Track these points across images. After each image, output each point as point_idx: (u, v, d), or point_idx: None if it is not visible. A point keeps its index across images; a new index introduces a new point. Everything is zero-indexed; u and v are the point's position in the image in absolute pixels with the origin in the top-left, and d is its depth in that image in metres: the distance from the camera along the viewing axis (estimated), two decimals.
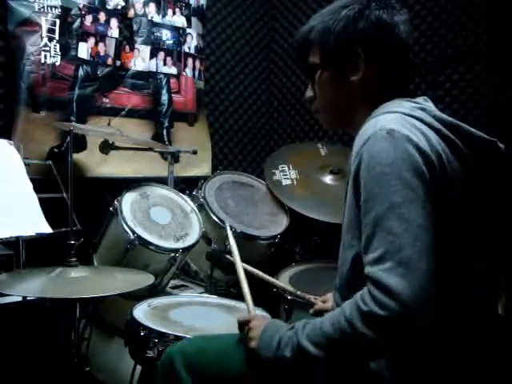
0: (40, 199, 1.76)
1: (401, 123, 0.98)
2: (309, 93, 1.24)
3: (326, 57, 1.16)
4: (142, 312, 1.59)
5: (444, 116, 1.05)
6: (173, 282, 2.21)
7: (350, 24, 1.11)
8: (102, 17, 2.48)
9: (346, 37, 1.12)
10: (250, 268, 1.84)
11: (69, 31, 2.36)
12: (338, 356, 0.96)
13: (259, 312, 1.67)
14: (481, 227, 1.07)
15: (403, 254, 0.87)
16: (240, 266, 1.44)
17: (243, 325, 1.18)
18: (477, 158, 1.04)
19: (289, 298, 1.88)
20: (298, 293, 1.78)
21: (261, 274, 1.79)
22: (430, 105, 1.11)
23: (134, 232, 1.90)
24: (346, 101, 1.17)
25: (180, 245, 2.00)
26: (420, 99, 1.11)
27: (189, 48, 2.83)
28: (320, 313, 1.50)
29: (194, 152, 2.57)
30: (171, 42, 2.75)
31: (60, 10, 2.32)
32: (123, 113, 2.59)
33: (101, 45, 2.48)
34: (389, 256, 0.88)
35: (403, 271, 0.86)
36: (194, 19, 2.85)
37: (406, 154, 0.93)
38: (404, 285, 0.86)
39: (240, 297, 1.80)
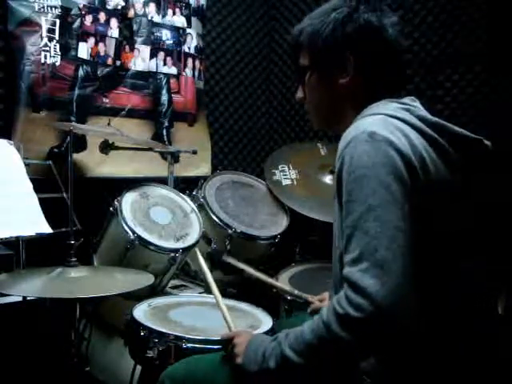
0: (40, 199, 1.76)
1: (383, 126, 0.99)
2: (299, 94, 1.25)
3: (314, 59, 1.17)
4: (142, 312, 1.59)
5: (428, 116, 1.06)
6: (173, 282, 2.21)
7: (338, 27, 1.12)
8: (102, 17, 2.48)
9: (334, 40, 1.12)
10: (248, 269, 1.85)
11: (69, 31, 2.36)
12: (320, 362, 0.97)
13: (260, 312, 1.67)
14: (467, 225, 1.08)
15: (378, 255, 0.89)
16: (215, 288, 1.44)
17: (227, 342, 1.18)
18: (462, 156, 1.05)
19: (289, 298, 1.88)
20: (296, 292, 1.78)
21: (258, 274, 1.80)
22: (416, 104, 1.11)
23: (134, 232, 1.90)
24: (334, 103, 1.18)
25: (180, 245, 2.00)
26: (406, 99, 1.12)
27: (189, 48, 2.83)
28: (317, 312, 1.51)
29: (194, 152, 2.57)
30: (171, 41, 2.75)
31: (60, 10, 2.32)
32: (123, 113, 2.59)
33: (101, 45, 2.48)
34: (365, 257, 0.90)
35: (378, 272, 0.88)
36: (194, 19, 2.85)
37: (386, 158, 0.94)
38: (378, 286, 0.87)
39: (240, 297, 1.81)
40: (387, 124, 1.00)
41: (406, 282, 0.88)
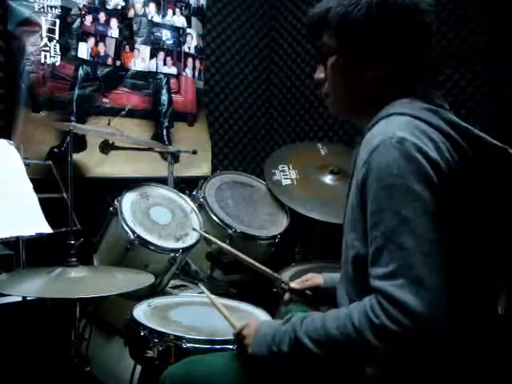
0: (40, 199, 1.76)
1: (410, 130, 0.95)
2: (320, 74, 1.17)
3: (343, 44, 1.09)
4: (142, 312, 1.59)
5: (454, 119, 1.03)
6: (173, 282, 2.21)
7: (371, 11, 1.03)
8: (102, 17, 2.48)
9: (366, 26, 1.04)
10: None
11: (69, 31, 2.37)
12: (339, 356, 0.97)
13: (260, 312, 1.67)
14: (483, 233, 1.05)
15: (415, 271, 0.87)
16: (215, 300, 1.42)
17: (237, 337, 1.17)
18: (485, 163, 1.02)
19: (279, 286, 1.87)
20: (275, 275, 1.77)
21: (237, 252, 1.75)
22: (443, 105, 1.07)
23: (134, 232, 1.90)
24: (358, 91, 1.12)
25: (180, 245, 2.00)
26: (433, 97, 1.07)
27: (189, 48, 2.83)
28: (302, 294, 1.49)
29: (194, 152, 2.57)
30: (171, 41, 2.75)
31: (60, 10, 2.32)
32: (123, 113, 2.59)
33: (101, 45, 2.48)
34: (401, 273, 0.88)
35: (416, 289, 0.86)
36: (193, 19, 2.85)
37: (416, 165, 0.91)
38: (417, 302, 0.85)
39: (239, 297, 1.81)
40: (414, 128, 0.96)
41: (443, 294, 0.87)
